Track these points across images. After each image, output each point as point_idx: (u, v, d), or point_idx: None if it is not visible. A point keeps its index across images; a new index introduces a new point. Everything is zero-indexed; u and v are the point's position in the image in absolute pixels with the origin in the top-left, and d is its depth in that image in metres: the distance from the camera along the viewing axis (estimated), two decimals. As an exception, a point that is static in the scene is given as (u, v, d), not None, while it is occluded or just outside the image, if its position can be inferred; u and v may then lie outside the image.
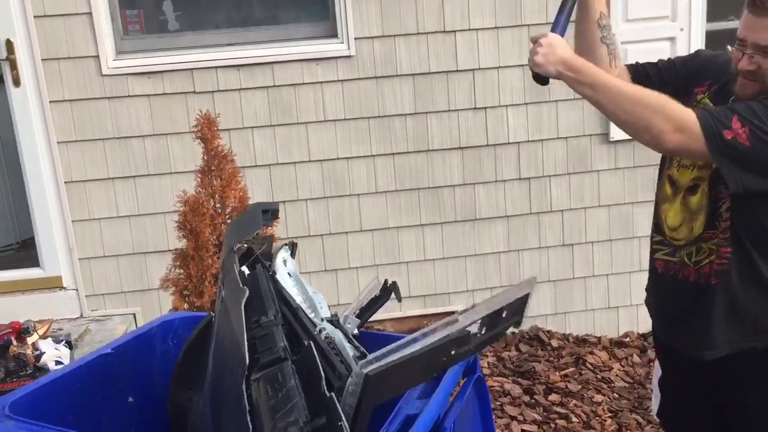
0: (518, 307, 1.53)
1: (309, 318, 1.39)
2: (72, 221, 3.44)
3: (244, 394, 1.25)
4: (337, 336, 1.38)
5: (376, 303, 1.71)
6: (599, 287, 3.95)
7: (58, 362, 2.39)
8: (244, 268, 1.46)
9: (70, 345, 2.58)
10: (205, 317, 1.75)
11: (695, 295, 1.79)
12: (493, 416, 1.94)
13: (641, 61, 1.99)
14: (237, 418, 1.27)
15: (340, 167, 3.63)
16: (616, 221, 3.88)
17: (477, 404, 1.69)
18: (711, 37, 3.73)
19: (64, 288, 3.48)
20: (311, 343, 1.26)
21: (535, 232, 3.85)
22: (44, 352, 2.41)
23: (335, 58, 3.52)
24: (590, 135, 3.76)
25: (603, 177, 3.82)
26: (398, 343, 1.27)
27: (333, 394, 1.18)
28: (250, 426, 1.23)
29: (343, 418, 1.15)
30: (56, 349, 2.45)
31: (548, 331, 3.92)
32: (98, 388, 1.62)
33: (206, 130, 2.86)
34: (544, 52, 1.62)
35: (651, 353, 3.72)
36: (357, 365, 1.25)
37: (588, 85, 1.62)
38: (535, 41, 1.66)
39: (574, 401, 3.28)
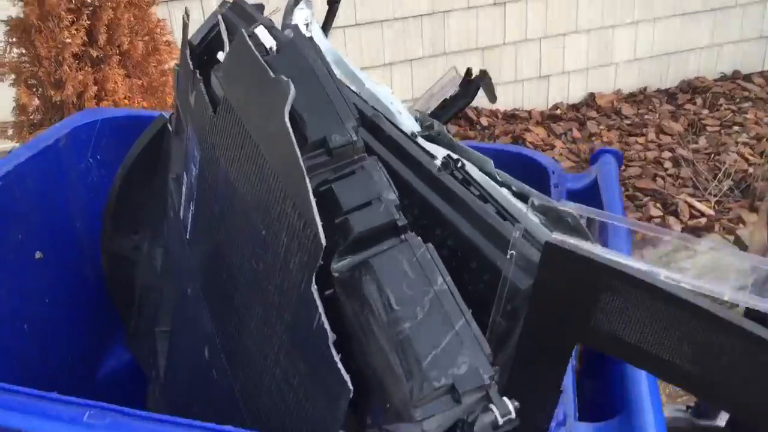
0: None
1: (402, 131, 0.72)
2: None
3: (318, 302, 0.59)
4: (489, 183, 0.73)
5: (455, 103, 1.06)
6: (531, 55, 3.42)
7: None
8: (271, 42, 0.73)
9: None
10: (154, 119, 1.02)
11: None
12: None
13: None
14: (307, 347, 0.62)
15: None
16: (554, -27, 3.28)
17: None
18: None
19: None
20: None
21: (464, -12, 3.18)
22: None
23: None
24: None
25: None
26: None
27: None
28: (339, 364, 0.59)
29: None
30: None
31: (474, 108, 3.42)
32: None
33: None
34: None
35: (591, 126, 3.34)
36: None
37: None
38: None
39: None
